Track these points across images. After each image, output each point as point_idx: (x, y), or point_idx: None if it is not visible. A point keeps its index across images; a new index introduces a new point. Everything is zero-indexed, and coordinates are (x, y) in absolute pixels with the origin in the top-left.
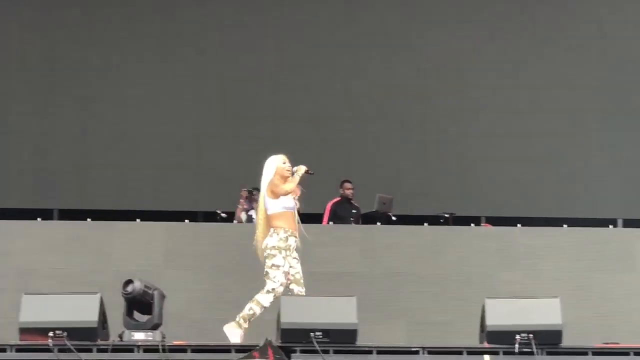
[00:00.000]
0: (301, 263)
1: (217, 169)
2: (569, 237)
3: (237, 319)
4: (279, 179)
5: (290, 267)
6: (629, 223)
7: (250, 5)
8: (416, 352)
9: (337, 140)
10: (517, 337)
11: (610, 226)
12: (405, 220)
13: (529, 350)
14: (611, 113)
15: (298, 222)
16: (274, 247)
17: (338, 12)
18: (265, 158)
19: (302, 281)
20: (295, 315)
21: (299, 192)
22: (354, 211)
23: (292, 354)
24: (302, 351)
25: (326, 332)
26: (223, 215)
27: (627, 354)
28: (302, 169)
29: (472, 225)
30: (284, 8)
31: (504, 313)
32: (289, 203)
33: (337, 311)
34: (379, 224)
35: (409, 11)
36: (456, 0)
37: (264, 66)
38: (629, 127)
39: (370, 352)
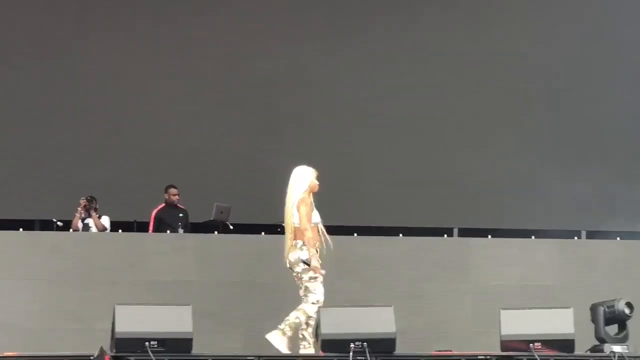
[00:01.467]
0: (137, 272)
1: (55, 176)
2: (405, 246)
3: (282, 327)
4: (310, 196)
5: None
6: (464, 232)
7: None
8: None
9: (173, 148)
10: (352, 345)
11: (445, 235)
12: (243, 228)
13: (363, 358)
14: (445, 125)
15: (323, 234)
16: (308, 259)
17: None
18: (100, 166)
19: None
20: (130, 325)
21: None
22: (180, 215)
23: None
24: None
25: (161, 342)
26: (59, 223)
27: None
28: (315, 263)
29: None
30: None
31: (338, 322)
32: (317, 218)
33: (172, 320)
34: (216, 232)
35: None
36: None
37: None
38: (462, 138)
39: None
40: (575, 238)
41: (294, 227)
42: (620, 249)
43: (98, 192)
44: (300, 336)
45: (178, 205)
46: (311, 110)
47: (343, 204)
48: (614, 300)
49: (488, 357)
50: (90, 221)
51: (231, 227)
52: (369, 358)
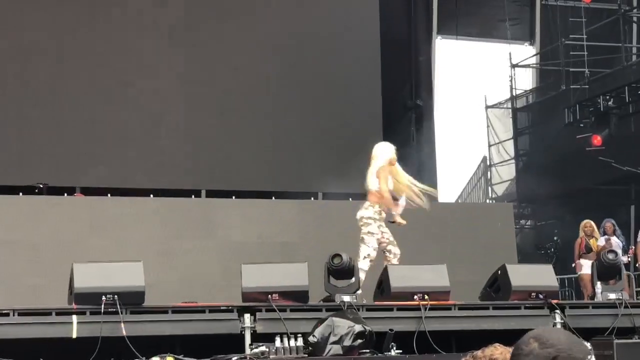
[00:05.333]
0: None
1: None
2: (155, 206)
3: None
4: (386, 171)
5: (384, 233)
6: (211, 194)
7: None
8: (7, 314)
9: None
10: (103, 298)
11: (193, 196)
12: (2, 190)
13: (114, 310)
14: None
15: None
16: (370, 217)
17: None
18: None
19: (395, 242)
20: None
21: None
22: None
23: None
24: None
25: None
26: None
27: (203, 311)
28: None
29: (66, 195)
30: None
31: (90, 276)
32: (390, 185)
33: None
34: None
35: None
36: None
37: None
38: (211, 112)
39: None
40: (312, 199)
41: (368, 190)
42: (352, 208)
43: None
44: None
45: None
46: (67, 82)
47: (97, 168)
48: (333, 255)
49: (230, 307)
50: None
51: None
52: (119, 309)
